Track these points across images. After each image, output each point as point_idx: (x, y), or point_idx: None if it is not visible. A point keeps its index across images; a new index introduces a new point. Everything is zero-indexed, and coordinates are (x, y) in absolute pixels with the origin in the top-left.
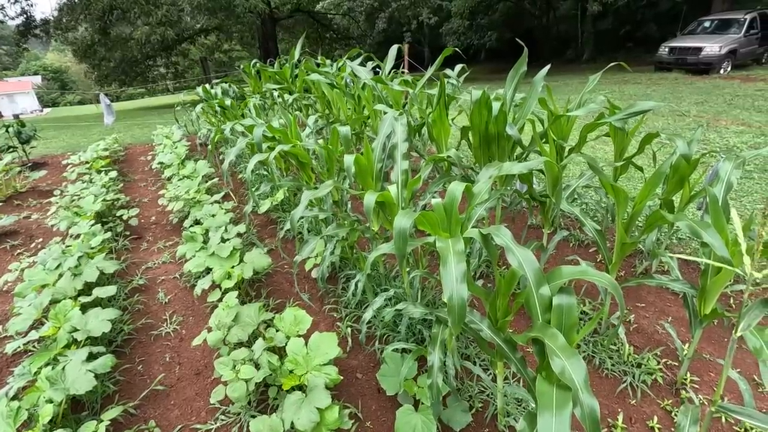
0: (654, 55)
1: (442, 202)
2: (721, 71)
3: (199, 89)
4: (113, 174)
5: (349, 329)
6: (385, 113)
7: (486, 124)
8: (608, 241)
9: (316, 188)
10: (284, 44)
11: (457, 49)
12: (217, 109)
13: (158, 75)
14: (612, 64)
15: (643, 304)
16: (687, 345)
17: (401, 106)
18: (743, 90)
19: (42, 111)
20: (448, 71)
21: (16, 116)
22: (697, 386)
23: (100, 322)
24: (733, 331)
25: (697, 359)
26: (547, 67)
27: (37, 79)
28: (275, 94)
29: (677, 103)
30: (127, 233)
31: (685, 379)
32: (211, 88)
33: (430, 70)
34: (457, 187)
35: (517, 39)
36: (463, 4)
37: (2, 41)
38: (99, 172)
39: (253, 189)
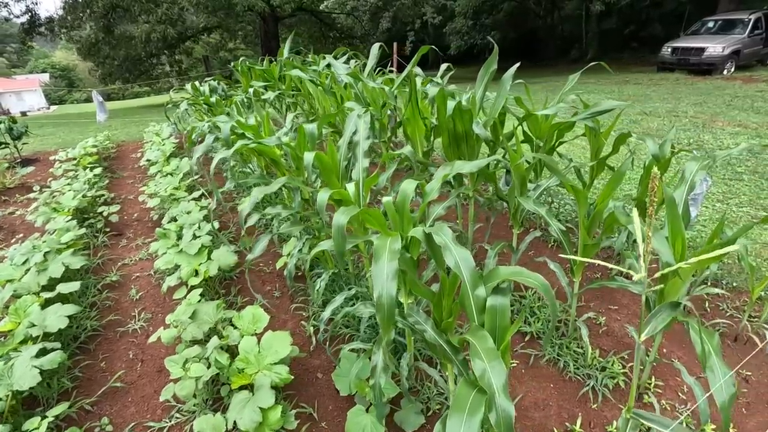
0: (657, 56)
1: (393, 200)
2: (724, 72)
3: (188, 86)
4: (98, 170)
5: (312, 328)
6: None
7: (454, 123)
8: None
9: (266, 185)
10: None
11: (434, 47)
12: (205, 106)
13: (162, 73)
14: (593, 63)
15: (616, 306)
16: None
17: (379, 105)
18: (744, 91)
19: (49, 108)
20: (417, 70)
21: (23, 113)
22: (660, 391)
23: (57, 318)
24: (638, 336)
25: (662, 363)
26: (516, 65)
27: (46, 77)
28: (251, 91)
29: (676, 103)
30: (107, 230)
31: (649, 383)
32: (201, 85)
33: (407, 69)
34: (408, 186)
35: (491, 39)
36: (467, 4)
37: (10, 39)
38: (85, 168)
39: (218, 187)
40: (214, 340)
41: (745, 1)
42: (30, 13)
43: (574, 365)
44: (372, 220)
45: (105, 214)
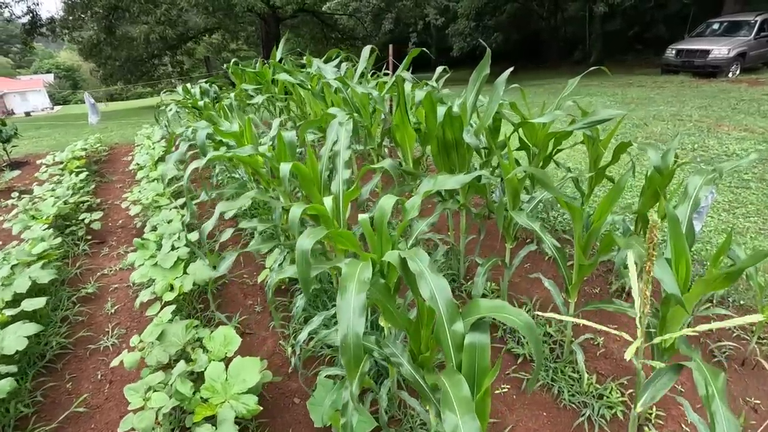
0: (662, 58)
1: (368, 217)
2: (730, 74)
3: (179, 88)
4: (83, 175)
5: (291, 348)
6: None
7: (443, 130)
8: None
9: (232, 199)
10: (290, 44)
11: (425, 50)
12: (196, 110)
13: (164, 74)
14: (593, 67)
15: (615, 325)
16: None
17: (369, 110)
18: (750, 94)
19: (53, 108)
20: (405, 74)
21: (27, 113)
22: (662, 422)
23: (16, 339)
24: (633, 407)
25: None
26: (510, 69)
27: (50, 77)
28: (233, 95)
29: (680, 107)
30: (89, 237)
31: (650, 413)
32: (192, 87)
33: (397, 72)
34: (387, 202)
35: (483, 42)
36: (469, 5)
37: (15, 40)
38: (71, 173)
39: (194, 197)
40: (180, 366)
41: (751, 3)
42: (31, 14)
43: (568, 392)
44: (344, 242)
45: (87, 221)
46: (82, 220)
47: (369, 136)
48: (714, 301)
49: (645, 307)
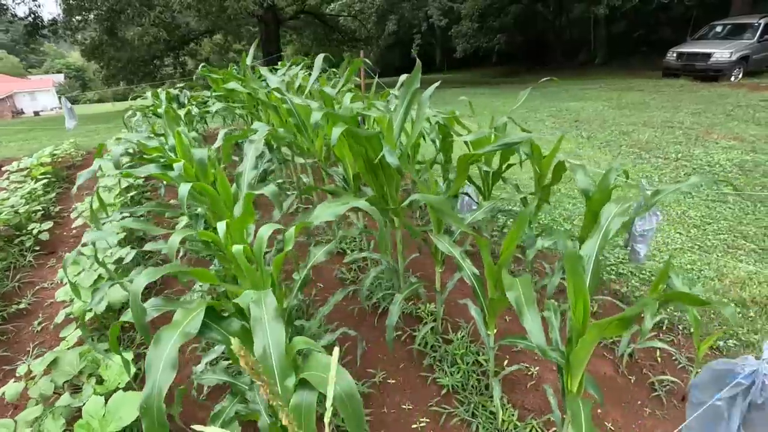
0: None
1: (241, 248)
2: (732, 78)
3: (149, 94)
4: (40, 183)
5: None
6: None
7: (365, 149)
8: None
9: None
10: (292, 46)
11: (367, 60)
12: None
13: (166, 74)
14: (545, 79)
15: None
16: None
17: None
18: (747, 100)
19: (61, 108)
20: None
21: (36, 113)
22: None
23: None
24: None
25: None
26: (436, 84)
27: (61, 77)
28: (163, 108)
29: (674, 113)
30: (37, 248)
31: None
32: (161, 92)
33: (343, 83)
34: (265, 231)
35: (428, 54)
36: (472, 6)
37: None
38: (34, 179)
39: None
40: (63, 399)
41: (758, 5)
42: (33, 15)
43: (485, 429)
44: (200, 277)
45: (35, 231)
46: (32, 230)
47: (307, 151)
48: (664, 326)
49: None
